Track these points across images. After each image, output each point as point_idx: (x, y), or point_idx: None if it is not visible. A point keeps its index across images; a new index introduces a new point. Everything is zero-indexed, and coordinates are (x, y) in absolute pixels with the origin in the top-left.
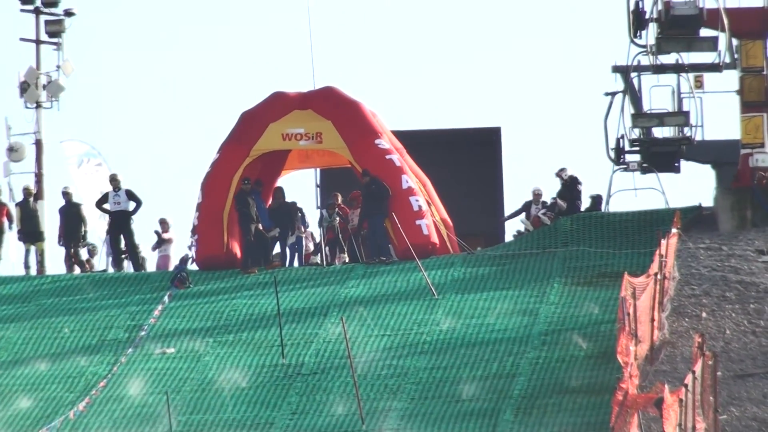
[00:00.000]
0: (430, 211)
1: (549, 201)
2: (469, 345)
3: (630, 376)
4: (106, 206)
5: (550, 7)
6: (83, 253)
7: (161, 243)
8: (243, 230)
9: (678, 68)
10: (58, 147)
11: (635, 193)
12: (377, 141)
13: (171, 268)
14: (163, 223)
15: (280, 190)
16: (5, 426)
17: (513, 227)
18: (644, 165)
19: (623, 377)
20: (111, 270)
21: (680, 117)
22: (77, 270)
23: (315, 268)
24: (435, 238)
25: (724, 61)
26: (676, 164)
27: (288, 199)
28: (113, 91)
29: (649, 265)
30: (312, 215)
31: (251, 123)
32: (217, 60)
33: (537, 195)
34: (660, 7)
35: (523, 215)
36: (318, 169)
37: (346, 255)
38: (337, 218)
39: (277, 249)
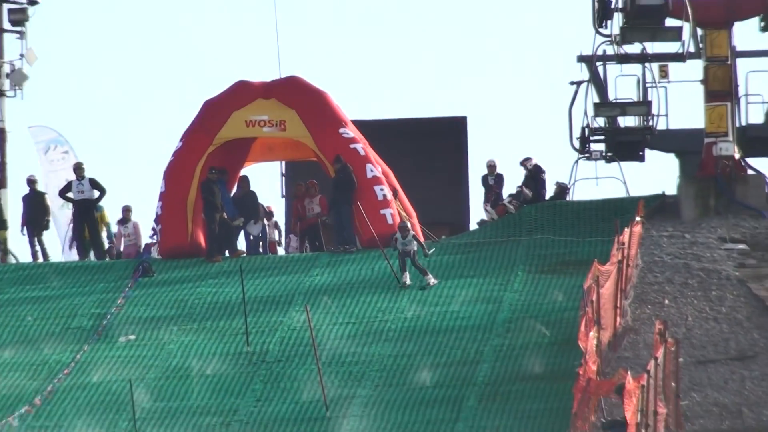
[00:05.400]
0: (394, 200)
1: (515, 190)
2: (433, 332)
3: (586, 362)
4: (70, 195)
5: None
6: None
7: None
8: (208, 219)
9: (642, 58)
10: (21, 136)
11: (597, 182)
12: (341, 130)
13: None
14: (127, 210)
15: (245, 179)
16: None
17: (477, 216)
18: (608, 154)
19: (582, 364)
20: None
21: (642, 107)
22: (41, 258)
23: (279, 257)
24: None
25: (689, 50)
26: (641, 153)
27: (253, 188)
28: (77, 80)
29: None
30: (278, 205)
31: (214, 111)
32: (182, 48)
33: (491, 167)
34: None
35: (488, 204)
36: (283, 161)
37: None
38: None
39: (241, 237)
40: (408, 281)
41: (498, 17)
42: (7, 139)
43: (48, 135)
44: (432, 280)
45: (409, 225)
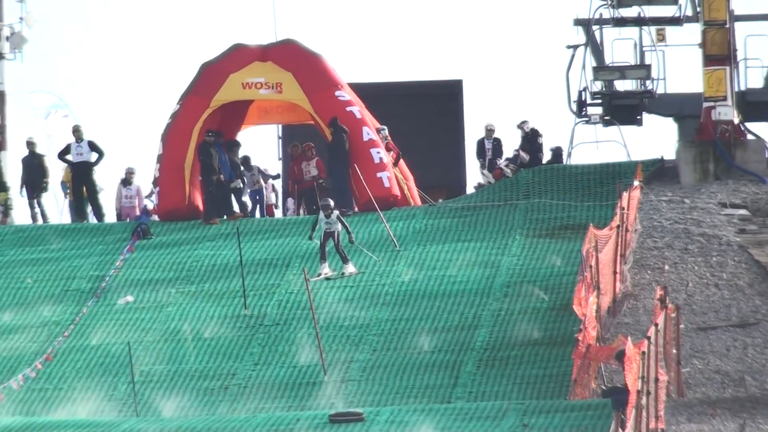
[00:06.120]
0: (392, 164)
1: (512, 153)
2: (430, 297)
3: (585, 327)
4: (69, 157)
5: None
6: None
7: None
8: (205, 181)
9: (639, 21)
10: (21, 98)
11: (597, 145)
12: (337, 93)
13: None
14: (130, 172)
15: (236, 143)
16: None
17: (474, 179)
18: (606, 118)
19: (580, 329)
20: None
21: (642, 70)
22: (40, 220)
23: (277, 219)
24: (396, 191)
25: (685, 14)
26: (639, 117)
27: (249, 151)
28: (76, 43)
29: (611, 217)
30: (275, 168)
31: (211, 74)
32: (179, 11)
33: (489, 131)
34: None
35: (485, 168)
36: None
37: None
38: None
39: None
40: (326, 272)
41: None
42: (6, 102)
43: (48, 100)
44: (351, 269)
45: (332, 203)
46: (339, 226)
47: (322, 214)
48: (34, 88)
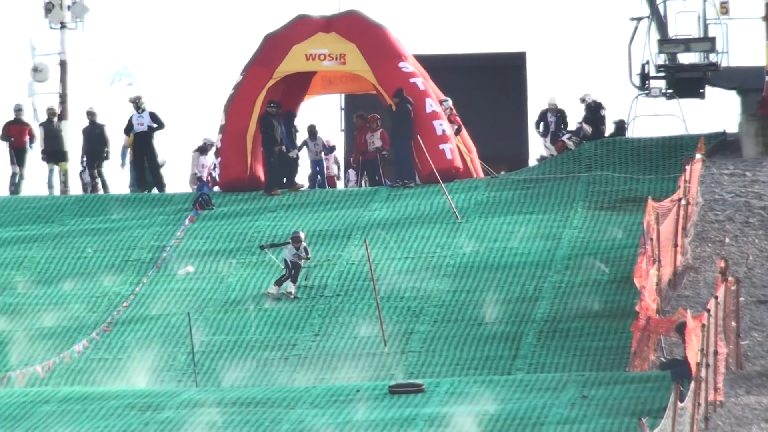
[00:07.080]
0: (454, 136)
1: (575, 126)
2: (491, 268)
3: (643, 299)
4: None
5: None
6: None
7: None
8: (266, 152)
9: None
10: (82, 67)
11: (656, 118)
12: (401, 64)
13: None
14: (211, 144)
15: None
16: (29, 344)
17: (537, 152)
18: (668, 91)
19: (639, 301)
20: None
21: (707, 43)
22: (101, 190)
23: (338, 191)
24: (458, 163)
25: None
26: (701, 90)
27: (312, 121)
28: (138, 12)
29: (673, 190)
30: (337, 139)
31: (275, 45)
32: None
33: (552, 105)
34: None
35: (547, 140)
36: (342, 94)
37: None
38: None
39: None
40: (271, 290)
41: None
42: (68, 71)
43: (113, 67)
44: (290, 289)
45: (302, 236)
46: (303, 261)
47: (291, 246)
48: (98, 56)
